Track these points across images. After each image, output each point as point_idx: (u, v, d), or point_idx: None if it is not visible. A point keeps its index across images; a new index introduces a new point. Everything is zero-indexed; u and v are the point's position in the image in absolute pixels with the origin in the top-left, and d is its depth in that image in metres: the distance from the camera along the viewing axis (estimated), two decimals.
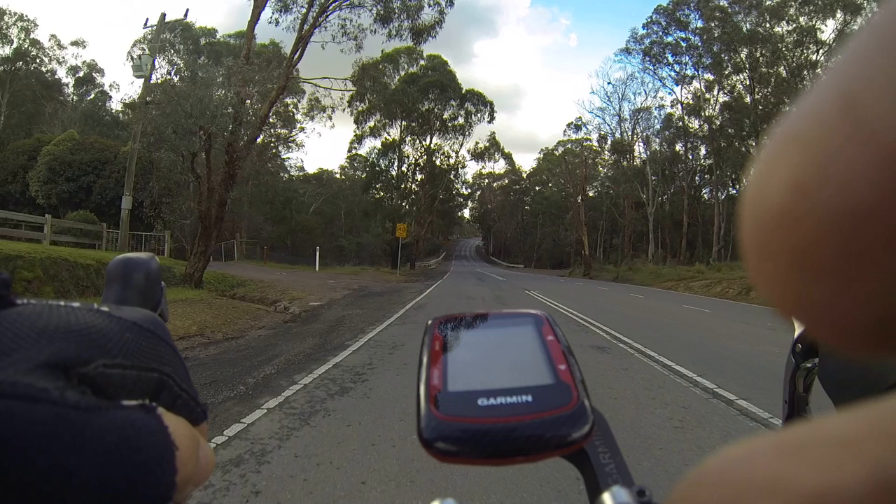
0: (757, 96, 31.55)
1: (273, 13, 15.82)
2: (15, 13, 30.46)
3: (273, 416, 3.23)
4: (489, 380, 0.26)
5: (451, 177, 41.21)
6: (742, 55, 31.67)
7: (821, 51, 28.61)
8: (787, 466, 0.11)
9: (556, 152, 51.13)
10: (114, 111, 35.18)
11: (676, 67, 36.16)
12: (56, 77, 33.99)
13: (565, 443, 0.23)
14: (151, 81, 14.06)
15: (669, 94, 61.28)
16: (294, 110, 30.02)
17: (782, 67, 30.19)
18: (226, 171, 10.63)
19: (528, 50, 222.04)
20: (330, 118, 27.37)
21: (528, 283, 21.21)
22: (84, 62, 36.03)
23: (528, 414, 0.24)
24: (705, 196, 38.38)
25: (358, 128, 38.30)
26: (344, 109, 33.19)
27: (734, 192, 32.65)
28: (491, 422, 0.23)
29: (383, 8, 17.64)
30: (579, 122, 44.52)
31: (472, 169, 77.53)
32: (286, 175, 39.01)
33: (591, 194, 44.66)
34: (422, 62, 36.32)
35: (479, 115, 38.92)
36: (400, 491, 2.26)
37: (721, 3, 32.44)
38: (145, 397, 0.18)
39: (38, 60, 32.36)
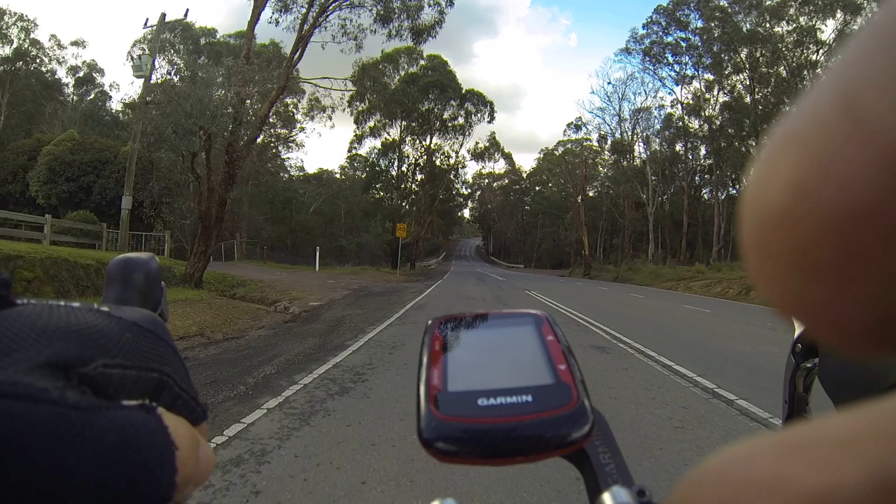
0: (757, 96, 31.54)
1: (273, 13, 15.82)
2: (15, 13, 30.48)
3: (273, 416, 3.23)
4: (489, 380, 0.26)
5: (451, 177, 41.21)
6: (742, 55, 31.66)
7: (821, 51, 28.60)
8: (787, 466, 0.11)
9: (556, 152, 51.12)
10: (114, 111, 35.20)
11: (676, 67, 36.20)
12: (56, 77, 34.00)
13: (565, 443, 0.23)
14: (151, 81, 14.06)
15: (669, 94, 61.39)
16: (294, 110, 30.02)
17: (782, 67, 30.18)
18: (226, 171, 10.63)
19: (528, 50, 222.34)
20: (330, 118, 27.36)
21: (528, 283, 21.21)
22: (84, 62, 36.06)
23: (528, 414, 0.23)
24: (705, 196, 38.39)
25: (358, 128, 38.34)
26: (344, 109, 33.21)
27: (734, 192, 32.64)
28: (491, 422, 0.23)
29: (383, 8, 17.63)
30: (579, 122, 44.57)
31: (472, 169, 77.61)
32: (286, 175, 38.99)
33: (591, 194, 44.65)
34: (422, 62, 36.32)
35: (479, 115, 38.95)
36: (400, 491, 2.26)
37: (721, 3, 32.44)
38: (145, 397, 0.18)
39: (38, 60, 32.36)
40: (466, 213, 69.99)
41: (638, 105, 40.06)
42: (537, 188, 60.80)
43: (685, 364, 5.01)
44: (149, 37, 20.99)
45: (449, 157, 40.07)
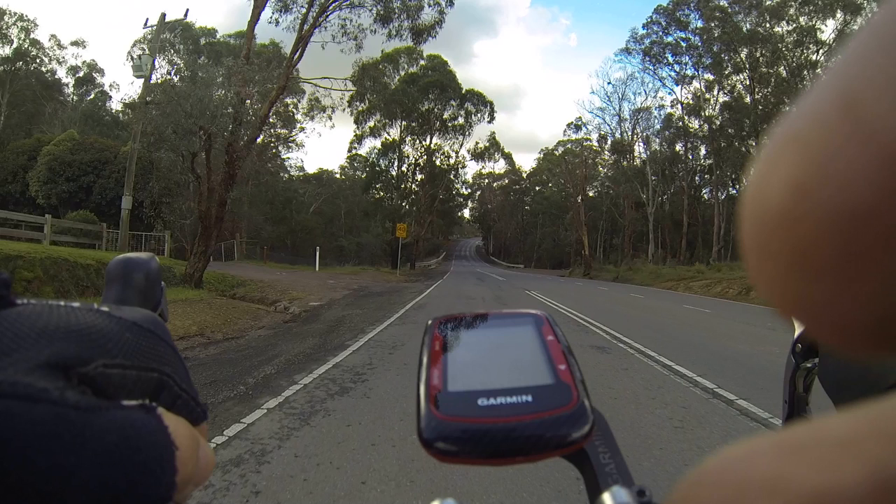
0: (757, 96, 31.54)
1: (273, 13, 15.83)
2: (15, 13, 30.48)
3: (273, 416, 3.23)
4: (489, 380, 0.26)
5: (451, 177, 41.20)
6: (742, 55, 31.66)
7: (821, 51, 28.60)
8: (787, 466, 0.11)
9: (556, 152, 51.08)
10: (114, 111, 35.20)
11: (676, 67, 36.19)
12: (56, 77, 34.00)
13: (565, 443, 0.23)
14: (151, 81, 14.05)
15: (669, 94, 61.39)
16: (294, 110, 30.04)
17: (782, 67, 30.18)
18: (226, 171, 10.63)
19: (528, 50, 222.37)
20: (330, 118, 27.39)
21: (528, 283, 21.21)
22: (84, 62, 36.06)
23: (528, 414, 0.23)
24: (705, 196, 38.39)
25: (358, 128, 38.34)
26: (344, 109, 33.22)
27: (734, 192, 32.64)
28: (491, 422, 0.23)
29: (383, 8, 17.64)
30: (579, 122, 44.55)
31: (472, 169, 77.68)
32: (286, 175, 38.99)
33: (591, 194, 44.64)
34: (422, 62, 36.32)
35: (479, 115, 38.94)
36: (400, 491, 2.26)
37: (721, 3, 32.44)
38: (145, 397, 0.18)
39: (38, 60, 32.35)
40: (466, 213, 70.10)
41: (638, 105, 40.11)
42: (537, 188, 60.78)
43: (685, 364, 5.01)
44: (149, 37, 21.00)
45: (449, 157, 40.11)
